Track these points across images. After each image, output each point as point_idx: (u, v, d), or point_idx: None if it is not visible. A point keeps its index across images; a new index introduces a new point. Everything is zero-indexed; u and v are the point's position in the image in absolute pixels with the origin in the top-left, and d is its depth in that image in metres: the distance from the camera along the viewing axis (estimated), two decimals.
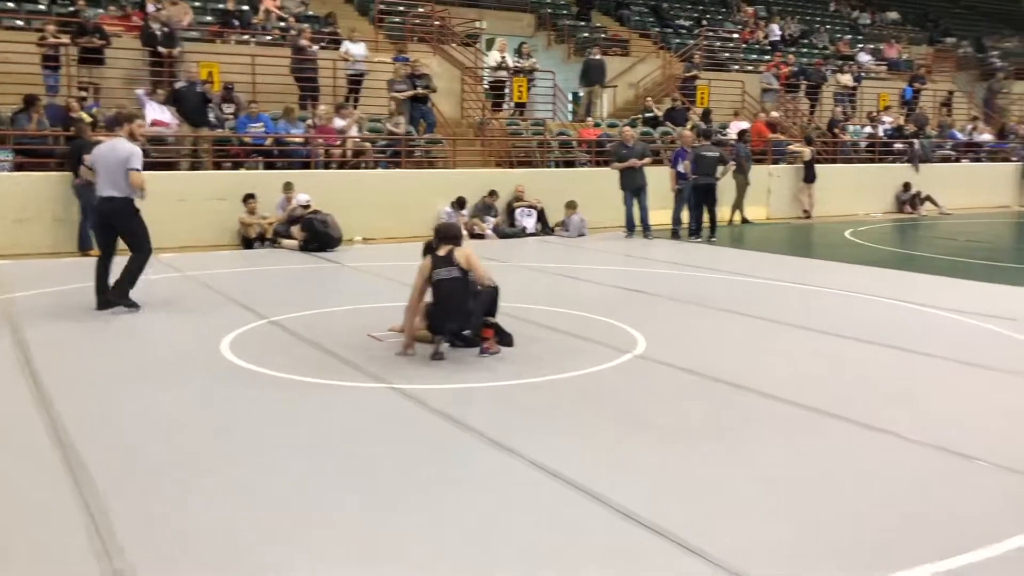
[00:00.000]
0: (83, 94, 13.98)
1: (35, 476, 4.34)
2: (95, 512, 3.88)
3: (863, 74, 24.22)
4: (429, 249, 6.94)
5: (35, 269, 10.94)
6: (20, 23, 15.51)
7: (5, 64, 13.52)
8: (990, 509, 4.04)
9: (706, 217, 14.75)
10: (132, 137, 8.35)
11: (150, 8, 15.85)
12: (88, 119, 12.74)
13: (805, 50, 25.49)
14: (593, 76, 19.51)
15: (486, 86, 18.75)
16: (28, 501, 4.05)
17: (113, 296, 8.23)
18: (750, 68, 23.28)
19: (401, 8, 20.65)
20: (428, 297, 6.79)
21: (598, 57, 19.59)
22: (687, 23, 25.40)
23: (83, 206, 11.88)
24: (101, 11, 16.09)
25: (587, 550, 3.62)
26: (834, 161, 20.31)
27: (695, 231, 14.80)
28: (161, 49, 14.82)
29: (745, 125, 18.90)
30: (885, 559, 3.52)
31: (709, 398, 5.78)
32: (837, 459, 4.67)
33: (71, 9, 15.59)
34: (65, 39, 14.36)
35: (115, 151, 8.16)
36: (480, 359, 6.61)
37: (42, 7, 16.05)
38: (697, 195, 14.73)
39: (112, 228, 8.36)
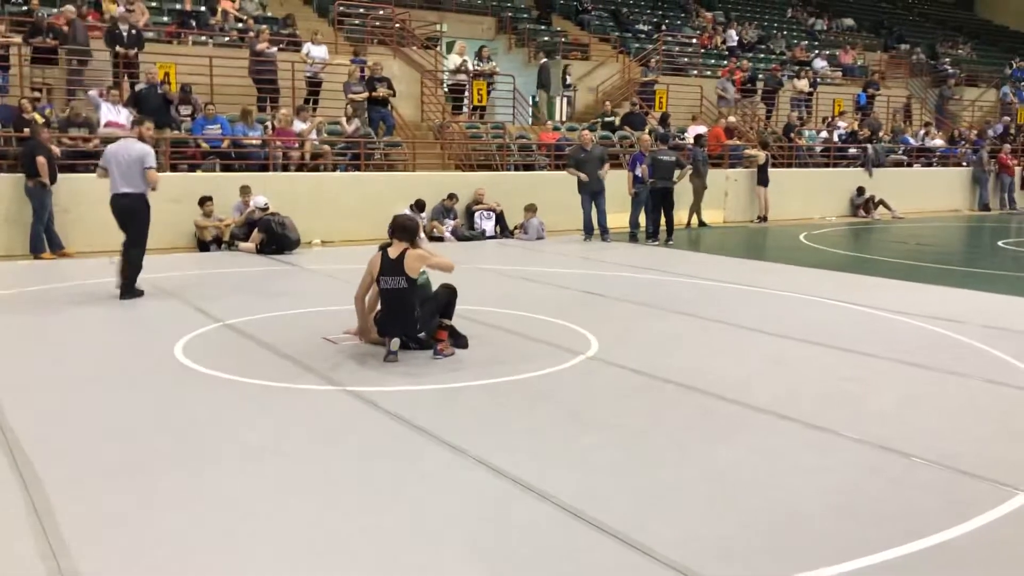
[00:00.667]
0: (36, 95, 13.80)
1: None
2: (42, 513, 3.88)
3: (819, 79, 24.65)
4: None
5: None
6: None
7: None
8: (923, 504, 4.18)
9: (663, 220, 14.95)
10: (142, 138, 9.08)
11: (119, 10, 15.68)
12: (41, 120, 12.59)
13: (762, 55, 25.88)
14: (543, 80, 19.76)
15: (446, 89, 18.79)
16: None
17: (124, 294, 8.94)
18: (708, 73, 23.58)
19: (361, 10, 20.63)
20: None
21: (543, 61, 19.85)
22: (646, 28, 25.65)
23: (36, 208, 11.73)
24: (55, 11, 15.89)
25: (534, 547, 3.69)
26: (790, 165, 20.67)
27: (652, 234, 14.98)
28: (122, 50, 14.68)
29: (703, 129, 19.15)
30: (819, 553, 3.64)
31: (657, 398, 5.89)
32: (778, 456, 4.79)
33: (24, 8, 15.37)
34: (17, 39, 14.17)
35: (129, 150, 8.87)
36: (434, 361, 6.67)
37: None
38: (654, 199, 14.92)
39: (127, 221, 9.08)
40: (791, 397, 5.86)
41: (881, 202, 20.53)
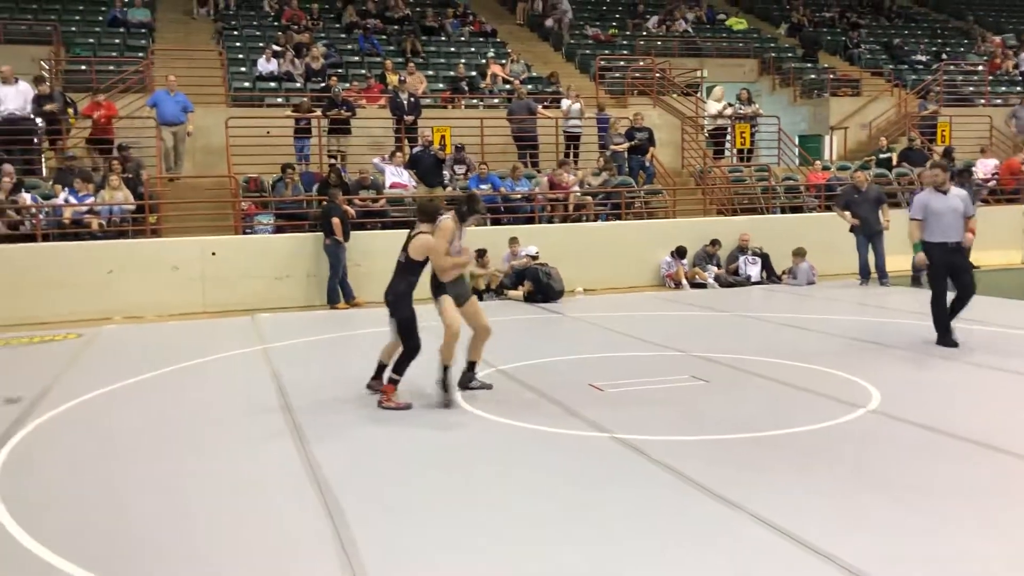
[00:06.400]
0: (333, 161, 15.35)
1: (298, 512, 4.79)
2: (346, 544, 4.25)
3: None
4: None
5: (292, 321, 12.04)
6: (280, 100, 17.34)
7: (269, 137, 15.18)
8: None
9: None
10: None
11: (397, 80, 17.22)
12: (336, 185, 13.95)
13: None
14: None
15: (707, 135, 18.66)
16: (292, 535, 4.49)
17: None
18: (999, 101, 21.62)
19: (621, 63, 21.06)
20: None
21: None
22: (924, 58, 24.05)
23: (332, 264, 12.97)
24: (347, 85, 17.65)
25: None
26: None
27: None
28: (407, 117, 16.04)
29: (993, 163, 17.52)
30: None
31: (954, 457, 5.41)
32: None
33: (322, 85, 17.22)
34: (317, 112, 15.90)
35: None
36: (699, 412, 6.57)
37: (298, 85, 17.84)
38: None
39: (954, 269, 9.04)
40: None
41: None
